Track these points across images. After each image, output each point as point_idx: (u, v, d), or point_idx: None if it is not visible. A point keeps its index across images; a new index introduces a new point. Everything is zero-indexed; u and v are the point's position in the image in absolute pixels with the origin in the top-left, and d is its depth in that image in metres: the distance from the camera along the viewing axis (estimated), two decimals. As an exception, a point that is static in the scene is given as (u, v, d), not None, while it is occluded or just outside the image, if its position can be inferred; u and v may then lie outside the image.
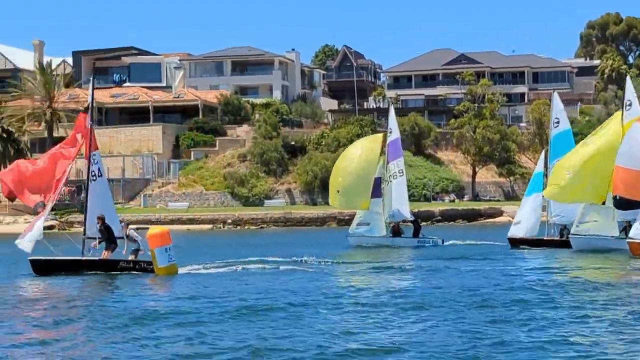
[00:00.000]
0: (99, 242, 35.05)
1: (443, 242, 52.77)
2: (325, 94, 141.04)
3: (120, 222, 36.42)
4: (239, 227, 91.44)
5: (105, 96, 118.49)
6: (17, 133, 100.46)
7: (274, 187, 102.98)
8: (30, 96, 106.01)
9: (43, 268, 34.45)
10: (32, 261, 34.57)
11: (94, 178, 36.66)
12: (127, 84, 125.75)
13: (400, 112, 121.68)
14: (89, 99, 37.60)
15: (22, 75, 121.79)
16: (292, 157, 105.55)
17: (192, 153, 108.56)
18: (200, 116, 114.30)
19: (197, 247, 55.09)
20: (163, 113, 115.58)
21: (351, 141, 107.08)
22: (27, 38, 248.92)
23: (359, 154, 53.27)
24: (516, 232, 48.82)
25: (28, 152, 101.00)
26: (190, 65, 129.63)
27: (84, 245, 35.44)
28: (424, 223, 66.77)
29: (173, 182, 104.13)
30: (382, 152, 54.02)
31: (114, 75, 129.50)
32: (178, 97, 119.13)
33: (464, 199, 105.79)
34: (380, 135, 56.67)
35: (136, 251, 35.25)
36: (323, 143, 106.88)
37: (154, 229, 34.61)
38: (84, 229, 35.94)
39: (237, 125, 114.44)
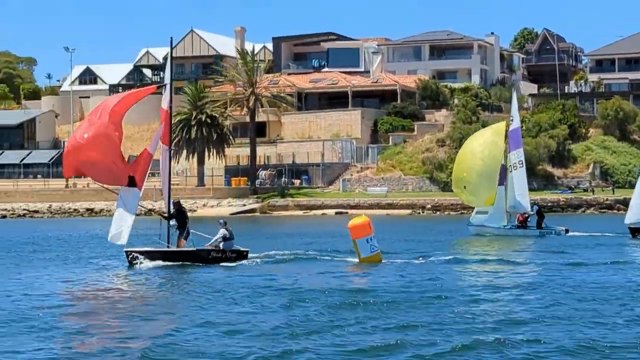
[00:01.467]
0: (176, 228, 35.00)
1: (567, 232, 50.85)
2: (524, 77, 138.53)
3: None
4: (438, 212, 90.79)
5: (305, 81, 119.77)
6: (220, 118, 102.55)
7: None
8: (233, 82, 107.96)
9: (135, 258, 34.39)
10: (127, 252, 34.63)
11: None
12: (326, 69, 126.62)
13: (603, 96, 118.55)
14: (167, 79, 37.86)
15: (225, 62, 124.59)
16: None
17: (390, 138, 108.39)
18: (399, 101, 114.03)
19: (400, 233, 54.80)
20: (361, 98, 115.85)
21: (553, 126, 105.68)
22: (229, 25, 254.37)
23: (482, 150, 51.52)
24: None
25: (230, 137, 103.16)
26: (388, 50, 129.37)
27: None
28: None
29: (371, 166, 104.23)
30: (505, 141, 52.45)
31: (313, 60, 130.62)
32: (376, 82, 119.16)
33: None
34: (503, 124, 54.38)
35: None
36: (524, 128, 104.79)
37: (355, 220, 34.15)
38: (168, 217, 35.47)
39: (435, 110, 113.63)
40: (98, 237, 54.24)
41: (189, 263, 34.06)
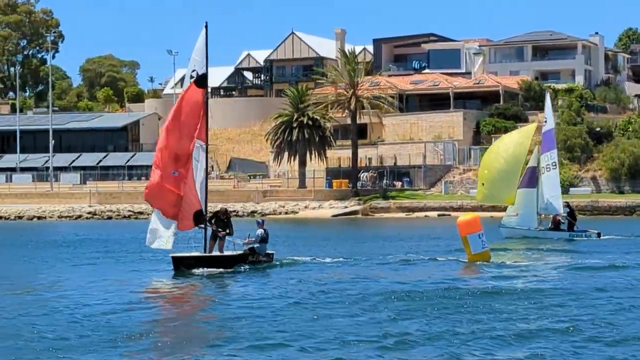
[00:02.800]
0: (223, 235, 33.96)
1: (599, 236, 49.44)
2: (629, 78, 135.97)
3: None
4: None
5: (406, 83, 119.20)
6: (321, 120, 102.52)
7: (578, 175, 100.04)
8: (334, 84, 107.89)
9: (183, 264, 33.31)
10: (173, 258, 33.51)
11: None
12: (427, 70, 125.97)
13: None
14: (200, 69, 34.30)
15: (326, 64, 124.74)
16: (597, 144, 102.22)
17: (492, 139, 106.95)
18: (501, 102, 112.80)
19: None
20: (463, 99, 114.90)
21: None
22: (330, 27, 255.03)
23: (507, 149, 50.77)
24: None
25: (332, 139, 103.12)
26: (490, 51, 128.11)
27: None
28: None
29: (474, 168, 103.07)
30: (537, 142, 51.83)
31: (413, 62, 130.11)
32: (478, 83, 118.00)
33: None
34: (533, 127, 54.48)
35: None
36: (630, 129, 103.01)
37: (465, 216, 33.98)
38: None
39: (538, 111, 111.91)
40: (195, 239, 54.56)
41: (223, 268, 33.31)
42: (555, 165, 52.06)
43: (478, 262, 33.12)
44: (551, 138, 52.95)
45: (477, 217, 33.86)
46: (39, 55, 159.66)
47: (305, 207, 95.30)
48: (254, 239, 34.13)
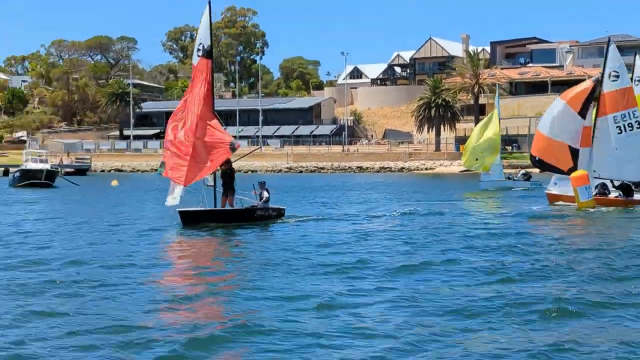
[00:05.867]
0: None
1: None
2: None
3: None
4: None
5: (515, 74, 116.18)
6: (452, 102, 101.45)
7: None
8: (461, 75, 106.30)
9: (191, 219, 25.27)
10: (180, 212, 25.33)
11: None
12: (530, 64, 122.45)
13: None
14: (205, 40, 26.47)
15: (454, 61, 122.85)
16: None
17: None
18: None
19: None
20: (557, 85, 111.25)
21: None
22: (457, 32, 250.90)
23: None
24: None
25: (459, 115, 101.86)
26: (578, 50, 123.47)
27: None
28: None
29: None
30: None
31: (520, 58, 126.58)
32: (569, 74, 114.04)
33: None
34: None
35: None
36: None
37: (576, 173, 32.20)
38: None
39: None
40: (360, 185, 54.80)
41: (234, 223, 25.52)
42: None
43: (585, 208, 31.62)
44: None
45: (586, 173, 31.61)
46: (251, 57, 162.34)
47: (440, 165, 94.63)
48: (263, 197, 26.54)
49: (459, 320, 11.57)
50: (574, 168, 32.49)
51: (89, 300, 13.30)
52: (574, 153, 32.88)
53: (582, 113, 33.15)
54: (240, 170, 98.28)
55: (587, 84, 33.88)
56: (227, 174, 26.43)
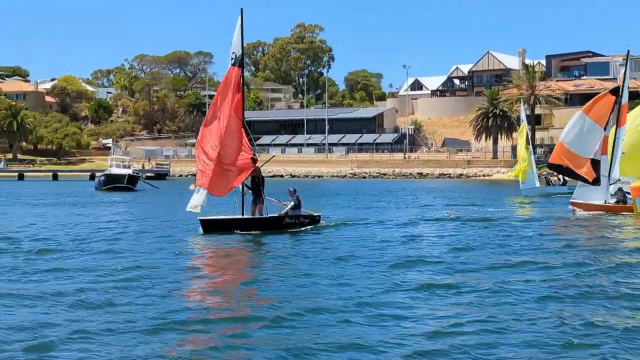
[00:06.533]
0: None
1: None
2: None
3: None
4: None
5: (569, 86, 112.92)
6: (509, 112, 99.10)
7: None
8: (518, 86, 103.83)
9: (211, 227, 23.91)
10: (201, 221, 24.13)
11: None
12: (584, 77, 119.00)
13: None
14: (237, 49, 25.08)
15: (511, 73, 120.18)
16: None
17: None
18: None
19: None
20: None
21: None
22: (513, 46, 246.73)
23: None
24: None
25: (516, 125, 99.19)
26: (631, 63, 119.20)
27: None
28: None
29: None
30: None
31: (574, 71, 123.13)
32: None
33: None
34: None
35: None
36: None
37: (636, 183, 30.65)
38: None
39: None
40: (425, 190, 53.61)
41: (260, 231, 23.88)
42: None
43: None
44: None
45: None
46: (318, 70, 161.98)
47: (497, 172, 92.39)
48: (290, 205, 24.89)
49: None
50: (597, 179, 31.53)
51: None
52: (595, 165, 31.84)
53: (605, 126, 32.60)
54: (307, 176, 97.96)
55: (610, 98, 33.02)
56: (256, 182, 24.65)
